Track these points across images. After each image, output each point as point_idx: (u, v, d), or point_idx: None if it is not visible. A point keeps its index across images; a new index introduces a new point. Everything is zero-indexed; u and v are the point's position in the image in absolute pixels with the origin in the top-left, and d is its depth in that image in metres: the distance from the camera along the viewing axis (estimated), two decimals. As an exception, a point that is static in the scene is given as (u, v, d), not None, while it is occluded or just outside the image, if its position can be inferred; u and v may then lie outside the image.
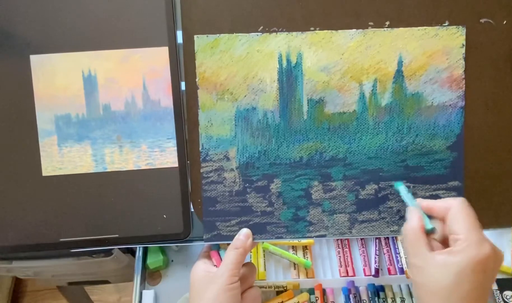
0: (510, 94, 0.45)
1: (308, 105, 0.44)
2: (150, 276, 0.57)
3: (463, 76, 0.44)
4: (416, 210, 0.40)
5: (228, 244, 0.44)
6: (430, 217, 0.40)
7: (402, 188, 0.43)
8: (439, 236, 0.39)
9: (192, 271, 0.44)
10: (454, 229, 0.37)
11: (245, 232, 0.44)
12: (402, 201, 0.45)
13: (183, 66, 0.44)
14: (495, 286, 0.55)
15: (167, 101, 0.45)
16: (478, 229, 0.36)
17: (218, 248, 0.47)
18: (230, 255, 0.42)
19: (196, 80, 0.44)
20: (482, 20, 0.44)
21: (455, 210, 0.37)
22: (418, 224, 0.38)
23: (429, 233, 0.39)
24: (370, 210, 0.45)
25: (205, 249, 0.48)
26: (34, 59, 0.44)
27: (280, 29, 0.44)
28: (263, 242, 0.57)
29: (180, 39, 0.44)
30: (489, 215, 0.45)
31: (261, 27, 0.44)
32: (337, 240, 0.59)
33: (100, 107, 0.45)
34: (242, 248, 0.42)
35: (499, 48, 0.44)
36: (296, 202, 0.45)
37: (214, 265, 0.45)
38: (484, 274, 0.34)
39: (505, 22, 0.44)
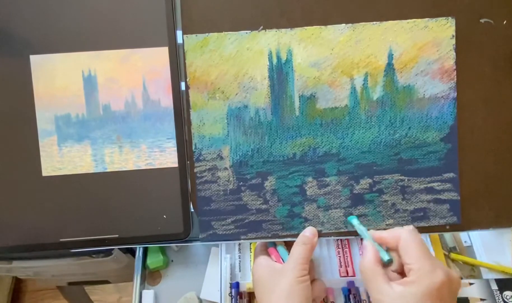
0: (510, 94, 0.46)
1: (299, 101, 0.46)
2: (150, 276, 0.59)
3: (454, 67, 0.45)
4: (370, 243, 0.42)
5: (263, 242, 0.47)
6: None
7: (354, 221, 0.46)
8: (397, 266, 0.42)
9: (255, 268, 0.47)
10: (405, 259, 0.39)
11: (310, 229, 0.46)
12: (397, 195, 0.46)
13: (183, 66, 0.46)
14: (495, 286, 0.55)
15: (167, 101, 0.47)
16: (429, 257, 0.39)
17: (274, 244, 0.49)
18: (299, 250, 0.44)
19: (187, 80, 0.46)
20: (482, 20, 0.45)
21: (404, 239, 0.40)
22: (373, 257, 0.41)
23: (386, 264, 0.41)
24: (365, 204, 0.46)
25: (261, 247, 0.50)
26: (34, 59, 0.46)
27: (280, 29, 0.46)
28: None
29: (180, 39, 0.46)
30: (489, 215, 0.47)
31: (261, 26, 0.46)
32: (337, 240, 0.60)
33: (100, 107, 0.47)
34: (309, 244, 0.45)
35: (499, 48, 0.46)
36: (291, 199, 0.47)
37: (275, 261, 0.47)
38: (441, 301, 0.37)
39: (505, 22, 0.46)
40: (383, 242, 0.42)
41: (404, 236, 0.40)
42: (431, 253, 0.39)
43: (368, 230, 0.44)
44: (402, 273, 0.41)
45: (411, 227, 0.42)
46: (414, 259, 0.38)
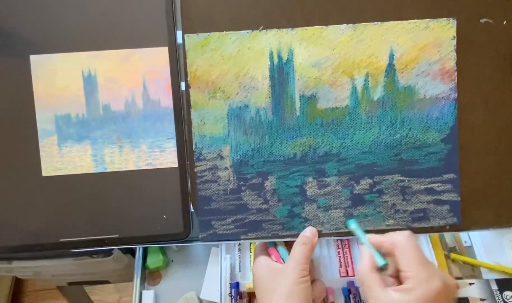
0: (510, 94, 0.47)
1: (300, 101, 0.46)
2: (150, 276, 0.59)
3: (455, 68, 0.46)
4: (365, 247, 0.42)
5: (263, 242, 0.47)
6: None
7: (352, 225, 0.45)
8: (393, 271, 0.41)
9: (255, 268, 0.47)
10: (402, 265, 0.39)
11: (311, 229, 0.47)
12: (398, 195, 0.46)
13: (183, 66, 0.47)
14: (495, 286, 0.55)
15: (167, 101, 0.47)
16: (425, 263, 0.38)
17: (274, 244, 0.49)
18: (299, 250, 0.44)
19: (188, 79, 0.46)
20: (482, 20, 0.46)
21: (401, 246, 0.39)
22: (368, 263, 0.41)
23: (382, 269, 0.41)
24: (365, 204, 0.46)
25: (261, 246, 0.50)
26: (34, 59, 0.47)
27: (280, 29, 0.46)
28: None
29: (180, 39, 0.47)
30: (489, 215, 0.47)
31: (262, 26, 0.46)
32: (337, 240, 0.60)
33: (100, 107, 0.47)
34: (310, 244, 0.45)
35: (499, 48, 0.46)
36: (291, 199, 0.47)
37: (275, 261, 0.47)
38: None
39: (505, 22, 0.46)
40: (379, 246, 0.42)
41: (400, 242, 0.40)
42: (428, 259, 0.39)
43: (367, 233, 0.44)
44: (399, 278, 0.41)
45: (407, 231, 0.41)
46: (410, 267, 0.38)
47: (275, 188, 0.47)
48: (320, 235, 0.47)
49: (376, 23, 0.45)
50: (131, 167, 0.47)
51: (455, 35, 0.45)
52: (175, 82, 0.47)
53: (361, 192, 0.47)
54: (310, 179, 0.47)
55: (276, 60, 0.46)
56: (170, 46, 0.46)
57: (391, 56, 0.45)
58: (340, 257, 0.59)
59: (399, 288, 0.38)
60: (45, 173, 0.47)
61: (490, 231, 0.48)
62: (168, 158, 0.47)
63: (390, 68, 0.46)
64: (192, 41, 0.46)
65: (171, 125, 0.47)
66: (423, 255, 0.39)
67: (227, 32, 0.46)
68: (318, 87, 0.46)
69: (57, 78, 0.47)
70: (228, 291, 0.56)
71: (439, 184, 0.46)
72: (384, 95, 0.46)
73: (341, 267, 0.58)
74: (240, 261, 0.59)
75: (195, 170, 0.47)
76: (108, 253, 0.62)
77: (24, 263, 0.64)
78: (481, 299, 0.55)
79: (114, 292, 1.23)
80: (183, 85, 0.47)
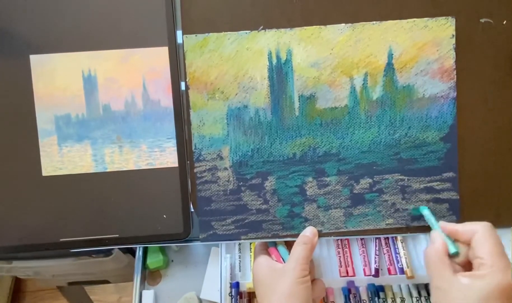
0: (509, 94, 0.47)
1: (299, 101, 0.46)
2: (150, 276, 0.59)
3: (454, 67, 0.46)
4: (437, 233, 0.43)
5: (263, 242, 0.47)
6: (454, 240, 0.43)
7: (426, 212, 0.46)
8: (462, 260, 0.41)
9: (255, 268, 0.47)
10: (479, 253, 0.39)
11: (311, 229, 0.47)
12: (397, 194, 0.46)
13: (183, 66, 0.47)
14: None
15: (167, 101, 0.47)
16: (504, 255, 0.38)
17: (275, 244, 0.49)
18: (299, 250, 0.45)
19: (187, 80, 0.46)
20: (482, 20, 0.46)
21: (481, 234, 0.40)
22: (442, 247, 0.41)
23: (452, 256, 0.41)
24: (365, 204, 0.46)
25: (261, 246, 0.50)
26: (34, 59, 0.47)
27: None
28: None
29: (180, 39, 0.47)
30: (489, 215, 0.47)
31: (261, 26, 0.46)
32: (337, 240, 0.60)
33: (100, 107, 0.47)
34: (310, 244, 0.45)
35: (499, 48, 0.46)
36: (291, 199, 0.47)
37: (275, 261, 0.47)
38: (508, 301, 0.36)
39: (505, 22, 0.46)
40: (454, 234, 0.42)
41: (482, 230, 0.40)
42: (506, 253, 0.39)
43: (368, 232, 0.44)
44: (465, 267, 0.41)
45: (487, 222, 0.41)
46: (488, 254, 0.38)
47: (275, 188, 0.47)
48: (320, 234, 0.47)
49: (374, 22, 0.46)
50: (131, 166, 0.47)
51: (454, 33, 0.45)
52: (175, 82, 0.47)
53: (361, 191, 0.47)
54: (310, 178, 0.47)
55: (274, 60, 0.46)
56: (170, 46, 0.47)
57: (390, 56, 0.46)
58: (340, 257, 0.59)
59: (471, 274, 0.38)
60: (45, 172, 0.47)
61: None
62: (168, 158, 0.47)
63: (389, 68, 0.46)
64: (190, 42, 0.46)
65: (171, 125, 0.47)
66: (502, 247, 0.39)
67: (225, 32, 0.46)
68: (317, 87, 0.46)
69: (57, 78, 0.47)
70: (228, 291, 0.56)
71: (438, 183, 0.47)
72: (383, 95, 0.46)
73: (341, 267, 0.58)
74: (240, 260, 0.59)
75: (195, 170, 0.47)
76: (108, 253, 0.62)
77: (24, 263, 0.64)
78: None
79: (114, 292, 1.23)
80: (183, 85, 0.47)
